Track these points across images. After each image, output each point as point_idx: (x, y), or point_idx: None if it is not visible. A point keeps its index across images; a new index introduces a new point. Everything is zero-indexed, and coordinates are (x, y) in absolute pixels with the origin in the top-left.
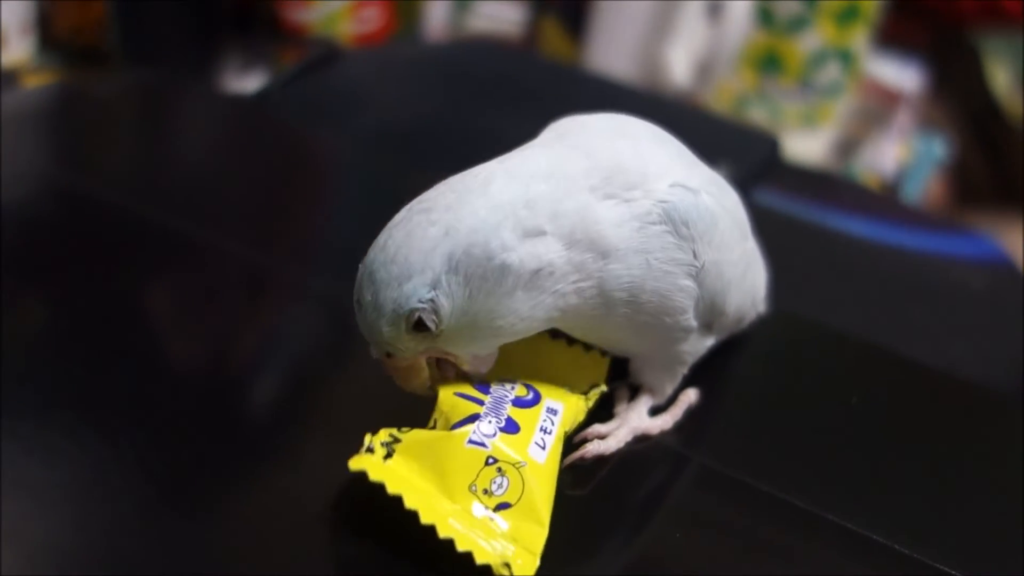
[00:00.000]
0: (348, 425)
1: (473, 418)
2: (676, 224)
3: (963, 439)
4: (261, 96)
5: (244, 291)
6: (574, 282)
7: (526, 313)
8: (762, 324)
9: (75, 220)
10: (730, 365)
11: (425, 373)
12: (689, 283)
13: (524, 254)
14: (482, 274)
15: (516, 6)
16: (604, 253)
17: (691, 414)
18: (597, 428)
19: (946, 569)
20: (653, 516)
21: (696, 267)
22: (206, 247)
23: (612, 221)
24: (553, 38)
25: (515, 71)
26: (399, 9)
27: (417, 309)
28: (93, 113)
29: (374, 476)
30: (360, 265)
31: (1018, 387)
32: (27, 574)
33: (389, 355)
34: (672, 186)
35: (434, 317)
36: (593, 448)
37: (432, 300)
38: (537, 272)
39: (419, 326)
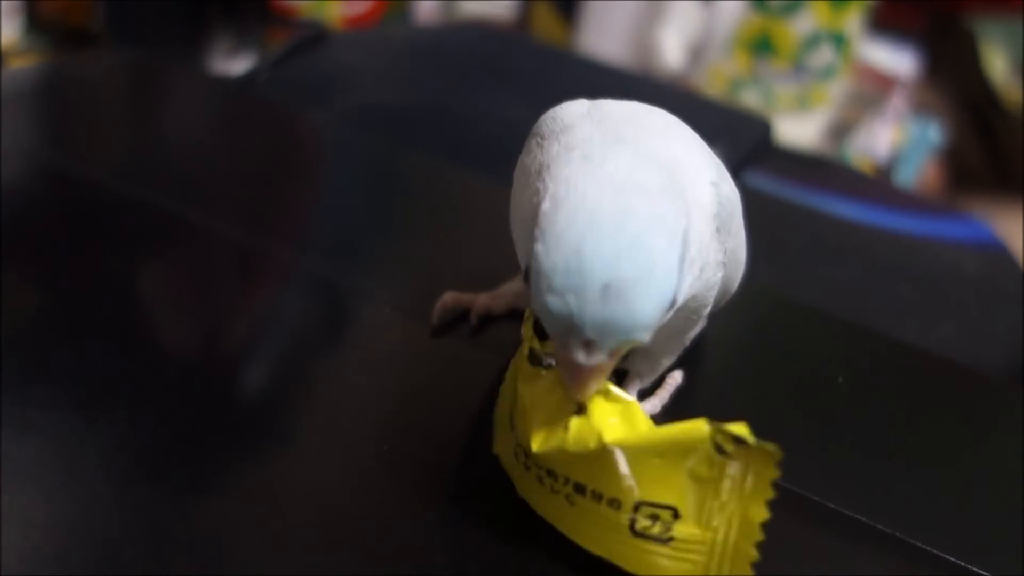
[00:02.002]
0: (336, 406)
1: None
2: (720, 218)
3: (951, 420)
4: (249, 78)
5: (232, 271)
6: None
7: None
8: (752, 306)
9: (62, 200)
10: (718, 346)
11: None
12: (720, 275)
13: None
14: (701, 269)
15: None
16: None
17: (678, 396)
18: None
19: (931, 549)
20: None
21: (726, 260)
22: (194, 228)
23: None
24: (545, 21)
25: (507, 54)
26: None
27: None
28: (81, 94)
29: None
30: (565, 230)
31: (1008, 369)
32: None
33: (611, 353)
34: (706, 182)
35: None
36: None
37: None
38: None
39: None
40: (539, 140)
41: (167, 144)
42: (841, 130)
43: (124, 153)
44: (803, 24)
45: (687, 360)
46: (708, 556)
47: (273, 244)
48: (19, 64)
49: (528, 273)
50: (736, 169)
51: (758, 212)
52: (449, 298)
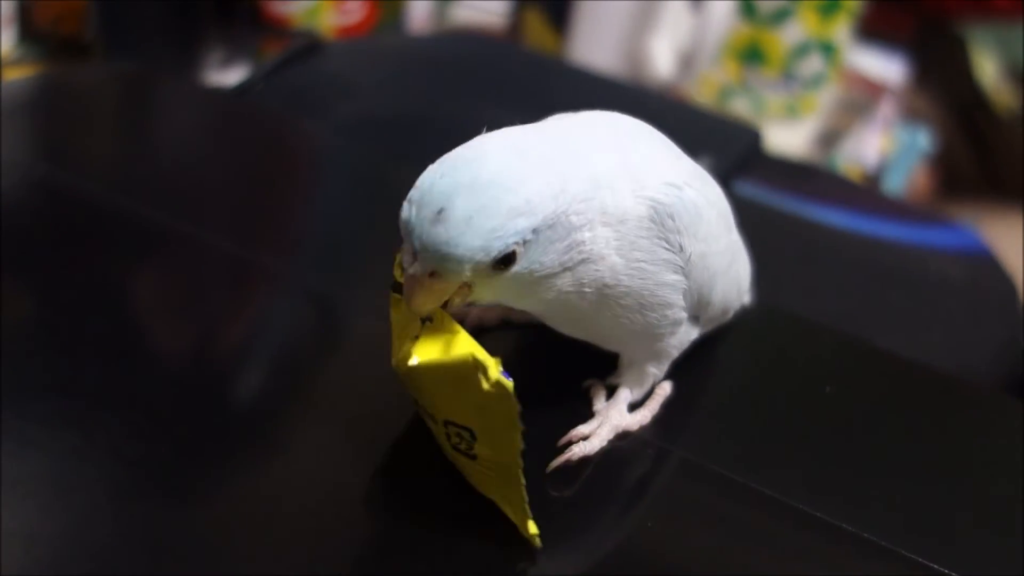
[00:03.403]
0: (329, 416)
1: None
2: (662, 218)
3: (936, 428)
4: (243, 88)
5: (227, 282)
6: (591, 272)
7: (564, 288)
8: (740, 315)
9: (56, 213)
10: (707, 356)
11: (439, 304)
12: (676, 277)
13: (595, 235)
14: (565, 239)
15: None
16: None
17: (668, 407)
18: (580, 429)
19: (919, 559)
20: (640, 512)
21: (683, 261)
22: (187, 239)
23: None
24: (536, 30)
25: (499, 63)
26: (382, 1)
27: (513, 246)
28: (74, 106)
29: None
30: (441, 164)
31: (993, 376)
32: None
33: (433, 273)
34: (658, 183)
35: (515, 259)
36: (578, 450)
37: (527, 244)
38: (586, 258)
39: (503, 262)
40: None
41: (161, 155)
42: (830, 138)
43: (118, 165)
44: (792, 33)
45: (676, 371)
46: (505, 474)
47: (267, 255)
48: (13, 74)
49: None
50: (725, 177)
51: (747, 220)
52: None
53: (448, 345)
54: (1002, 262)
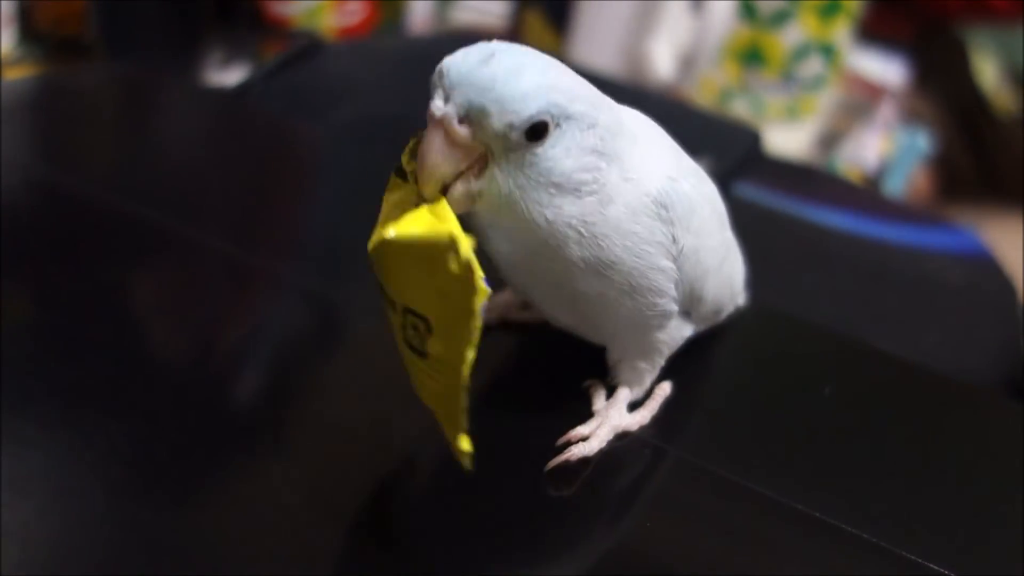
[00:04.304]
0: (328, 418)
1: None
2: (658, 208)
3: (935, 429)
4: (243, 89)
5: (226, 284)
6: (594, 211)
7: (564, 216)
8: (738, 316)
9: (56, 214)
10: (705, 357)
11: (453, 172)
12: (668, 264)
13: (611, 172)
14: (588, 154)
15: None
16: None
17: (668, 407)
18: (579, 430)
19: (916, 559)
20: (639, 513)
21: (675, 250)
22: (187, 240)
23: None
24: (537, 31)
25: None
26: (382, 2)
27: (552, 116)
28: (74, 106)
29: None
30: (487, 45)
31: (992, 377)
32: None
33: (462, 120)
34: (658, 175)
35: (546, 135)
36: (577, 450)
37: (558, 128)
38: (596, 191)
39: (534, 133)
40: None
41: (160, 156)
42: (830, 140)
43: (118, 165)
44: (792, 35)
45: (676, 371)
46: (450, 379)
47: (266, 256)
48: (13, 74)
49: None
50: (725, 178)
51: (747, 221)
52: None
53: (430, 223)
54: (1001, 264)
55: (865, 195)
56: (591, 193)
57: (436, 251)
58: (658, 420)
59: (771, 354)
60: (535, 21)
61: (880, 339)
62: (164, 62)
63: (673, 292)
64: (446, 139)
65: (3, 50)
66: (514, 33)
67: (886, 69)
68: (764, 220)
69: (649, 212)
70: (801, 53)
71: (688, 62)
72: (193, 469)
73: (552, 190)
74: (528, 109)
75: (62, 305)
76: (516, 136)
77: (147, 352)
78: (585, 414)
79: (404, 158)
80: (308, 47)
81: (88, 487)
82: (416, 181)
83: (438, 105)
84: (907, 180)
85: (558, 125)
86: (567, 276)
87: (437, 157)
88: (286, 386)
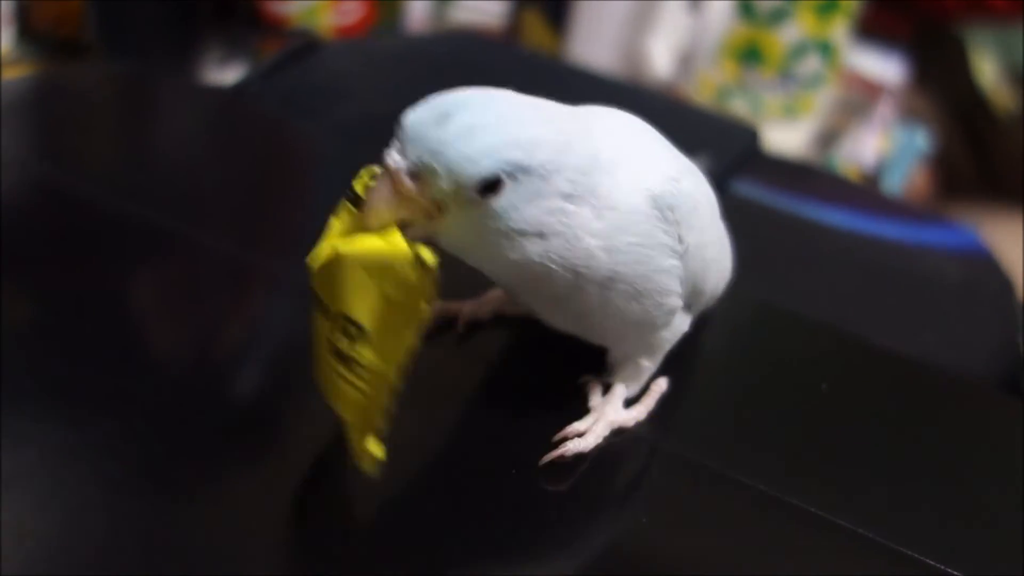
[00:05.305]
0: (326, 415)
1: None
2: (662, 210)
3: (934, 426)
4: (241, 88)
5: (224, 283)
6: (563, 249)
7: (531, 256)
8: (737, 313)
9: (54, 213)
10: (702, 353)
11: (398, 220)
12: (673, 262)
13: (579, 212)
14: (549, 200)
15: None
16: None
17: (664, 404)
18: (575, 426)
19: (914, 554)
20: (634, 509)
21: (681, 251)
22: (185, 238)
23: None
24: (535, 30)
25: (497, 63)
26: (380, 1)
27: (506, 173)
28: (73, 105)
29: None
30: (455, 91)
31: (990, 375)
32: None
33: (413, 176)
34: (659, 176)
35: (499, 190)
36: (572, 446)
37: (515, 181)
38: (562, 232)
39: (487, 188)
40: None
41: (159, 155)
42: (828, 138)
43: (116, 164)
44: (790, 33)
45: (673, 367)
46: (373, 390)
47: (265, 255)
48: (11, 74)
49: None
50: (723, 177)
51: (745, 219)
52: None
53: (386, 243)
54: (1000, 261)
55: (864, 193)
56: (556, 235)
57: (394, 262)
58: (654, 416)
59: (769, 351)
60: (533, 20)
61: (878, 336)
62: (162, 61)
63: (679, 289)
64: (393, 189)
65: (1, 50)
66: (512, 32)
67: (885, 67)
68: (763, 218)
69: (644, 219)
70: (799, 51)
71: (686, 60)
72: (191, 467)
73: (512, 235)
74: (478, 171)
75: (60, 302)
76: (468, 193)
77: (144, 349)
78: (581, 410)
79: (357, 184)
80: (306, 46)
81: (85, 484)
82: (366, 205)
83: (393, 156)
84: (906, 179)
85: (515, 178)
86: (562, 294)
87: (382, 204)
88: (285, 385)
